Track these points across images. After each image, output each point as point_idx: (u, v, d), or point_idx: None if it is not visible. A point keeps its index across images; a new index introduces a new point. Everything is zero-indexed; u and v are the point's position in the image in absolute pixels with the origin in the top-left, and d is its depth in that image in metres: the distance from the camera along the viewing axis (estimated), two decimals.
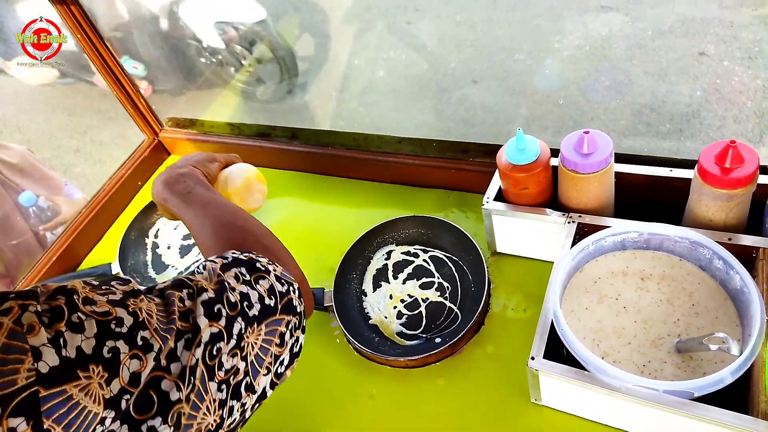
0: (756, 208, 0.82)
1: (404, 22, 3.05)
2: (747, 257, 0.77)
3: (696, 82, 2.38)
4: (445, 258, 1.04)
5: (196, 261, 1.19)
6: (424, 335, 0.95)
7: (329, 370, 0.95)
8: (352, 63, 2.89)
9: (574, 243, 0.84)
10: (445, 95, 2.59)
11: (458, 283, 1.00)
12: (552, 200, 0.95)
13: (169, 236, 1.24)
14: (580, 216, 0.88)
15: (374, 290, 1.03)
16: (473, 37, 2.87)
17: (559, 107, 2.38)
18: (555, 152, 0.89)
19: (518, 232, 0.96)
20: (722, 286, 0.77)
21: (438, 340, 0.93)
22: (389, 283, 1.03)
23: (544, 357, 0.74)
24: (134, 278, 1.15)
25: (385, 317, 0.99)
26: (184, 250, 1.21)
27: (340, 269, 1.03)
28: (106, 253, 1.26)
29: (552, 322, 0.76)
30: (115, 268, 1.17)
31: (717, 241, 0.76)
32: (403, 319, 0.98)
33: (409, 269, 1.04)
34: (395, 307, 1.00)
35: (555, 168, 0.91)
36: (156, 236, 1.25)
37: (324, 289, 1.01)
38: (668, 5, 2.63)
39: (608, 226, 0.83)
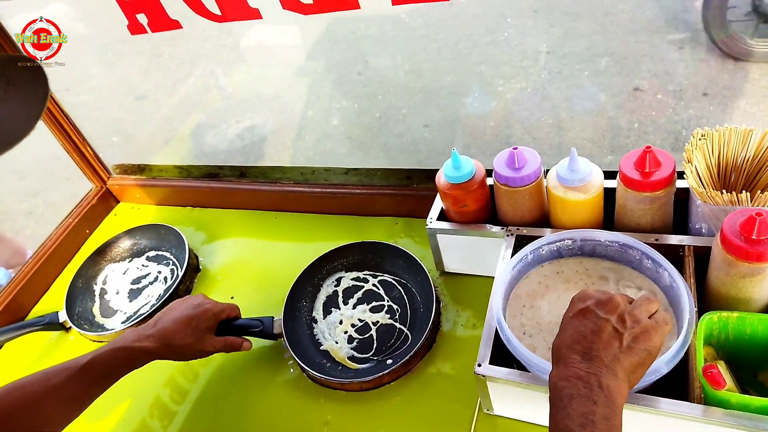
0: (681, 209, 0.87)
1: (355, 73, 3.16)
2: (675, 255, 0.81)
3: (633, 116, 2.51)
4: (393, 281, 1.06)
5: (146, 303, 1.17)
6: (375, 358, 0.95)
7: (284, 400, 0.94)
8: (306, 114, 2.96)
9: (513, 255, 0.87)
10: (398, 139, 2.66)
11: (407, 305, 1.01)
12: (492, 217, 0.98)
13: (117, 282, 1.23)
14: (518, 229, 0.91)
15: (324, 317, 1.03)
16: (422, 84, 2.99)
17: (508, 145, 2.47)
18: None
19: (463, 250, 0.99)
20: (655, 283, 0.81)
21: (389, 361, 0.93)
22: (339, 308, 1.04)
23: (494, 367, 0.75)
24: (82, 326, 1.13)
25: (336, 342, 0.99)
26: (133, 294, 1.20)
27: (289, 297, 1.03)
28: (54, 302, 1.23)
29: (496, 329, 0.77)
30: (62, 317, 1.14)
31: (645, 242, 0.80)
32: (354, 344, 0.98)
33: (359, 294, 1.05)
34: (346, 332, 1.00)
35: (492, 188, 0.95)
36: (104, 282, 1.23)
37: (273, 318, 1.00)
38: (602, 46, 2.80)
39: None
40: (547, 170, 0.91)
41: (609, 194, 0.89)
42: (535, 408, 0.78)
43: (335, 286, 1.08)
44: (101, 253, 1.26)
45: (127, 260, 1.27)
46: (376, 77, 3.12)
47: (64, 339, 1.14)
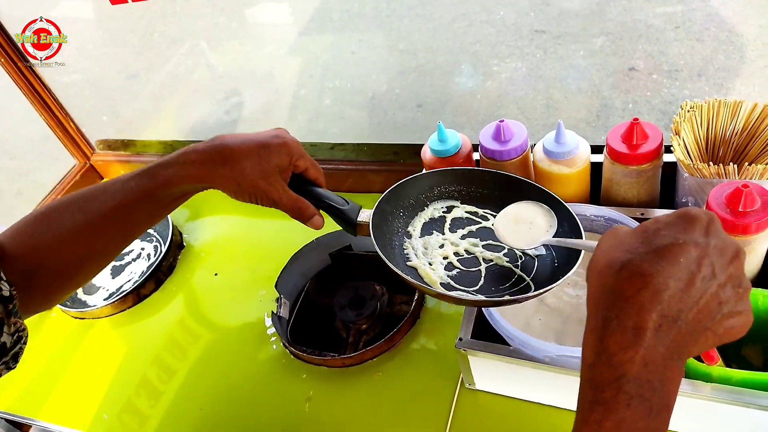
0: (668, 183, 0.86)
1: (349, 52, 3.12)
2: None
3: (627, 96, 2.49)
4: None
5: (128, 280, 1.16)
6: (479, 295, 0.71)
7: (267, 377, 0.93)
8: (298, 93, 2.93)
9: None
10: (391, 119, 2.64)
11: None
12: None
13: None
14: None
15: (421, 235, 0.79)
16: (416, 64, 2.95)
17: None
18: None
19: None
20: None
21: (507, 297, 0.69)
22: (443, 233, 0.79)
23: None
24: (65, 302, 1.12)
25: (430, 263, 0.75)
26: (116, 271, 1.18)
27: (384, 199, 0.77)
28: None
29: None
30: None
31: (631, 217, 0.79)
32: (454, 272, 0.74)
33: (472, 227, 0.80)
34: (446, 258, 0.76)
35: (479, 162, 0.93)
36: None
37: (361, 207, 0.75)
38: (598, 25, 2.77)
39: None
40: (534, 145, 0.90)
41: (596, 170, 0.88)
42: (517, 382, 0.77)
43: (444, 212, 0.82)
44: None
45: None
46: (370, 57, 3.09)
47: (46, 315, 1.13)
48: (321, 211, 0.72)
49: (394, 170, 1.10)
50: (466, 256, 0.76)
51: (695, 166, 0.74)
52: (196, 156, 0.63)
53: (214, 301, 1.08)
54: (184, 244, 1.19)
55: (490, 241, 0.76)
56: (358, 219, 0.73)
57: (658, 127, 0.80)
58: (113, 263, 1.20)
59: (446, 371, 0.85)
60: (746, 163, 0.71)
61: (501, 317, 0.71)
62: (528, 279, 0.72)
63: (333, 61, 3.08)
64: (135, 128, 3.00)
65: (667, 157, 0.83)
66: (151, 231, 1.24)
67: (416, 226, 0.80)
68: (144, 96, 3.19)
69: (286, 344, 0.94)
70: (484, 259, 0.76)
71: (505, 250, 0.75)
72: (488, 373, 0.78)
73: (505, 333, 0.71)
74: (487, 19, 3.03)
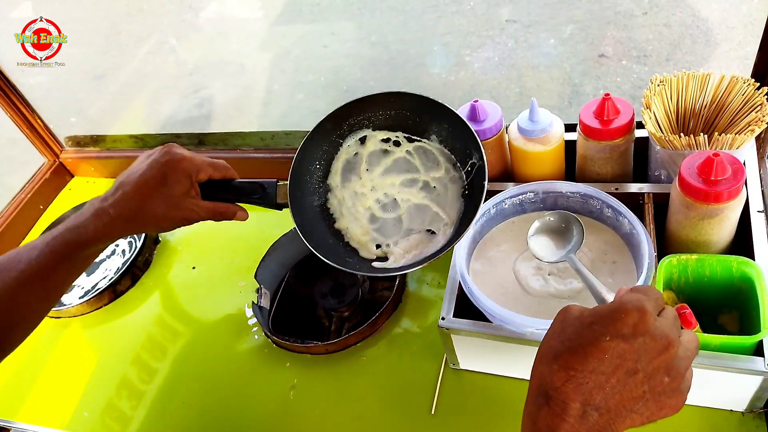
0: (641, 158, 0.87)
1: (320, 46, 3.10)
2: (635, 203, 0.81)
3: (598, 82, 2.52)
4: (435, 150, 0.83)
5: (104, 277, 1.13)
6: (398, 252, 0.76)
7: (249, 368, 0.92)
8: (270, 88, 2.90)
9: None
10: None
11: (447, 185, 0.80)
12: None
13: None
14: None
15: (343, 184, 0.81)
16: (388, 56, 2.95)
17: None
18: None
19: None
20: (615, 232, 0.81)
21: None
22: (361, 178, 0.81)
23: None
24: None
25: (356, 219, 0.79)
26: (91, 268, 1.16)
27: (298, 158, 0.79)
28: None
29: (460, 284, 0.77)
30: None
31: (606, 192, 0.80)
32: (377, 224, 0.78)
33: (387, 161, 0.81)
34: (368, 208, 0.79)
35: None
36: None
37: (277, 182, 0.77)
38: (567, 13, 2.80)
39: None
40: (509, 126, 0.90)
41: (571, 147, 0.89)
42: (500, 360, 0.78)
43: (359, 146, 0.81)
44: None
45: None
46: (342, 50, 3.07)
47: None
48: (242, 205, 0.76)
49: None
50: (386, 200, 0.79)
51: (666, 139, 0.75)
52: (108, 218, 0.66)
53: (193, 295, 1.07)
54: (160, 238, 1.17)
55: (406, 176, 0.79)
56: (278, 200, 0.76)
57: (629, 102, 0.81)
58: None
59: (430, 353, 0.86)
60: (716, 134, 0.72)
61: (482, 294, 0.71)
62: (444, 217, 0.76)
63: (305, 55, 3.06)
64: (104, 127, 2.94)
65: (639, 133, 0.84)
66: None
67: (336, 176, 0.81)
68: (112, 95, 3.13)
69: (268, 334, 0.93)
70: (402, 199, 0.79)
71: (420, 184, 0.78)
72: (472, 351, 0.78)
73: (486, 309, 0.71)
74: (458, 10, 3.04)
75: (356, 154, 0.81)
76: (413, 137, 0.80)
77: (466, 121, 0.73)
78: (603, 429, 0.41)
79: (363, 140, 0.81)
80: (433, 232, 0.76)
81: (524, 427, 0.44)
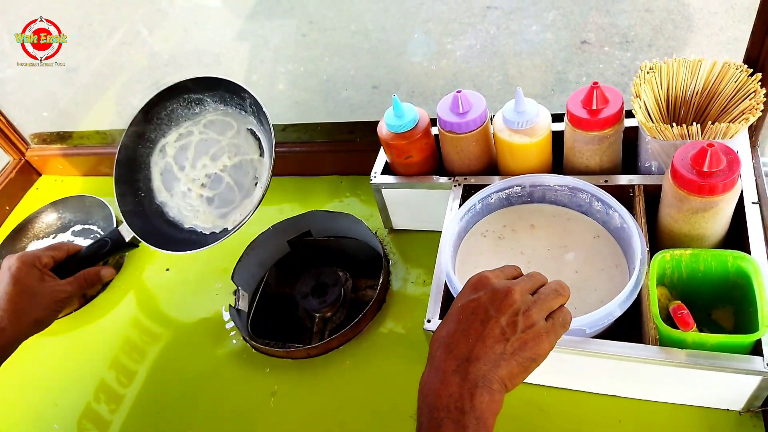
0: (631, 149, 0.84)
1: (299, 35, 3.04)
2: (625, 196, 0.78)
3: (581, 69, 2.50)
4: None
5: None
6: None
7: (229, 374, 0.89)
8: (249, 79, 2.84)
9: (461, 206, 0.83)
10: (346, 102, 2.58)
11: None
12: (439, 168, 0.93)
13: None
14: (465, 178, 0.87)
15: (172, 195, 0.89)
16: (369, 45, 2.90)
17: None
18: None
19: (410, 205, 0.94)
20: (604, 227, 0.78)
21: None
22: (179, 177, 0.89)
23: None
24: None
25: (198, 211, 0.87)
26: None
27: (119, 195, 0.85)
28: None
29: (446, 284, 0.73)
30: None
31: (594, 184, 0.77)
32: (216, 202, 0.87)
33: (190, 151, 0.91)
34: (201, 195, 0.88)
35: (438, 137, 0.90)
36: None
37: (117, 226, 0.84)
38: (548, 0, 2.77)
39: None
40: (493, 116, 0.87)
41: (558, 139, 0.85)
42: None
43: (163, 157, 0.90)
44: (23, 230, 1.16)
45: (52, 236, 1.17)
46: (322, 39, 3.01)
47: None
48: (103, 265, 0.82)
49: (351, 151, 1.06)
50: (209, 180, 0.88)
51: (658, 128, 0.72)
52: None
53: (166, 299, 1.02)
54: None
55: (212, 150, 0.88)
56: (127, 239, 0.82)
57: (618, 90, 0.78)
58: None
59: (416, 354, 0.83)
60: (709, 123, 0.69)
61: None
62: (254, 156, 0.86)
63: (284, 45, 3.00)
64: (77, 121, 2.86)
65: (628, 122, 0.81)
66: (95, 228, 1.16)
67: (161, 191, 0.89)
68: (86, 88, 3.04)
69: (247, 338, 0.89)
70: (221, 169, 0.87)
71: (226, 148, 0.87)
72: None
73: None
74: None
75: (165, 163, 0.90)
76: (197, 116, 0.89)
77: (216, 76, 0.83)
78: (484, 377, 0.47)
79: (163, 150, 0.90)
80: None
81: (419, 395, 0.50)
